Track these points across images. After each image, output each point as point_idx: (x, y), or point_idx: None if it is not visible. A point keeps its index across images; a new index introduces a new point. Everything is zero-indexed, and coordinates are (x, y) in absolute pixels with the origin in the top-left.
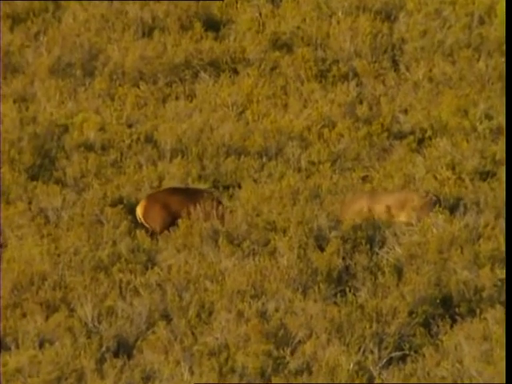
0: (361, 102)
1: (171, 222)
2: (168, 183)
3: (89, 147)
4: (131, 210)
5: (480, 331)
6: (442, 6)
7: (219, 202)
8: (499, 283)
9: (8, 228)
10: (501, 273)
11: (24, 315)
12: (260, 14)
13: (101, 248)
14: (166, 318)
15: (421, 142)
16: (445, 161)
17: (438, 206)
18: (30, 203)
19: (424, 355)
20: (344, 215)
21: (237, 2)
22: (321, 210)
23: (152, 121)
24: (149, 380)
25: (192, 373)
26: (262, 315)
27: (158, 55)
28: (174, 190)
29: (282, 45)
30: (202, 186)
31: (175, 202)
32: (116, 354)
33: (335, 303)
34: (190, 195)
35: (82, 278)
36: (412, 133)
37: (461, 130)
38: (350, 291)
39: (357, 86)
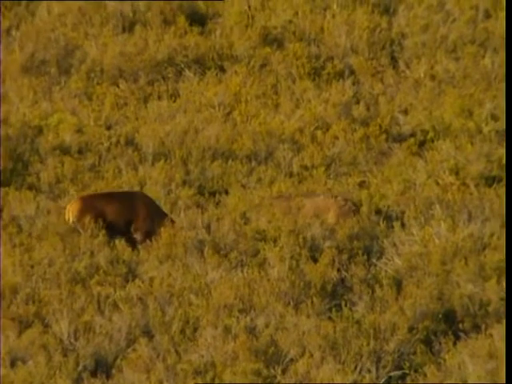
0: (357, 102)
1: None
2: (150, 189)
3: (65, 150)
4: None
5: (485, 348)
6: None
7: (159, 209)
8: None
9: None
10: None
11: None
12: (249, 7)
13: (77, 259)
14: (148, 334)
15: (422, 144)
16: (448, 165)
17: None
18: (1, 211)
19: (425, 374)
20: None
21: None
22: (314, 218)
23: (132, 122)
24: None
25: None
26: (251, 331)
27: (139, 51)
28: (110, 197)
29: (272, 40)
30: (186, 191)
31: (111, 212)
32: (94, 374)
33: (330, 318)
34: (125, 201)
35: (58, 292)
36: (412, 135)
37: (465, 132)
38: (345, 305)
39: (353, 84)
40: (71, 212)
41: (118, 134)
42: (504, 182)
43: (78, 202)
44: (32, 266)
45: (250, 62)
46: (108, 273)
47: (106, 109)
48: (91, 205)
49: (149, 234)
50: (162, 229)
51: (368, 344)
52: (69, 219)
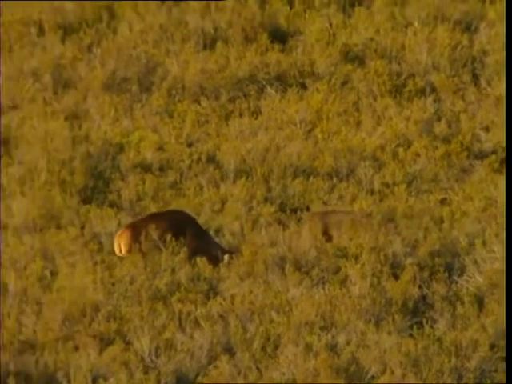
0: (439, 119)
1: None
2: (231, 206)
3: (146, 168)
4: None
5: None
6: None
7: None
8: None
9: (59, 255)
10: None
11: (76, 348)
12: (330, 25)
13: (159, 276)
14: (229, 351)
15: (503, 161)
16: None
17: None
18: (82, 228)
19: None
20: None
21: (305, 12)
22: (395, 235)
23: (214, 139)
24: None
25: None
26: (332, 348)
27: (220, 69)
28: (156, 219)
29: (353, 57)
30: (268, 208)
31: (160, 234)
32: None
33: (411, 335)
34: (172, 222)
35: (139, 309)
36: (494, 152)
37: None
38: (426, 323)
39: (434, 101)
40: (123, 242)
41: (199, 151)
42: None
43: (127, 230)
44: (113, 284)
45: (331, 79)
46: (189, 290)
47: (187, 126)
48: (141, 230)
49: (197, 252)
50: (244, 246)
51: (449, 361)
52: (120, 250)
